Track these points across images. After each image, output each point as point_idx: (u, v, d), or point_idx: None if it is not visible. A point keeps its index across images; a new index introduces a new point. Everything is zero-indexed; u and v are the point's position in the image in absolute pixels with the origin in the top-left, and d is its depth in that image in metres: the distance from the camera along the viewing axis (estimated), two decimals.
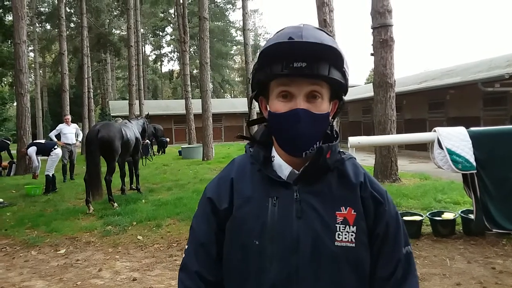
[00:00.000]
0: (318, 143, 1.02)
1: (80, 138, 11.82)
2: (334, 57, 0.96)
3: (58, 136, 10.95)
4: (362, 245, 1.01)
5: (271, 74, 0.97)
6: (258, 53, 1.00)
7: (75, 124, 11.84)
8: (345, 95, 1.07)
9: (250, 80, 1.06)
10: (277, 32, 1.02)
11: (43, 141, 11.31)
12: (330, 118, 1.05)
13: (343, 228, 1.00)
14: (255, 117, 18.37)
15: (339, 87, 1.02)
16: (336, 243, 0.99)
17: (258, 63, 1.00)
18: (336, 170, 1.06)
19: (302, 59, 0.93)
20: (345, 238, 0.99)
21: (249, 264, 1.01)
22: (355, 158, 1.13)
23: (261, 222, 1.01)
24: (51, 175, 9.55)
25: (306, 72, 0.94)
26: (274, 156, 1.07)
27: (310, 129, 0.98)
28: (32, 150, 9.98)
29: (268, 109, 1.04)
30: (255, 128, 1.25)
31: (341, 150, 1.09)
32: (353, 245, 1.00)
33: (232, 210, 1.05)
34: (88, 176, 7.40)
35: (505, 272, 3.99)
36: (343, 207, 1.01)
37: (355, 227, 1.00)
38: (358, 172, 1.07)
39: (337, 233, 0.99)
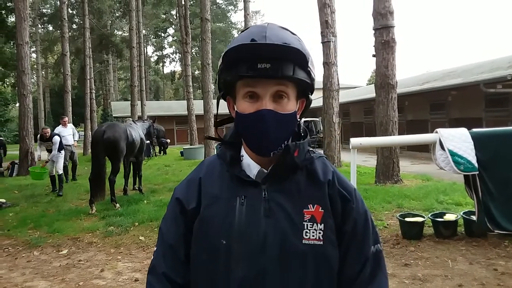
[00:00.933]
0: (286, 142, 1.01)
1: (77, 138, 11.80)
2: (298, 58, 0.95)
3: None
4: (330, 242, 1.01)
5: (237, 75, 0.97)
6: (222, 54, 0.98)
7: (71, 125, 11.83)
8: (311, 94, 1.07)
9: (217, 81, 1.05)
10: (242, 31, 1.02)
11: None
12: (298, 116, 1.05)
13: (311, 226, 1.00)
14: None
15: (306, 86, 1.02)
16: (303, 241, 0.99)
17: (223, 64, 0.99)
18: (305, 168, 1.06)
19: (266, 60, 0.93)
20: (313, 236, 0.99)
21: (217, 263, 1.00)
22: (325, 157, 1.12)
23: (228, 221, 1.01)
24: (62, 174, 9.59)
25: (270, 73, 0.94)
26: (243, 156, 1.07)
27: (277, 129, 0.97)
28: (57, 139, 9.50)
29: (236, 109, 1.03)
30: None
31: (310, 149, 1.09)
32: (321, 243, 1.00)
33: (200, 209, 1.05)
34: (92, 176, 7.43)
35: (507, 273, 3.98)
36: (311, 205, 1.01)
37: (322, 224, 1.00)
38: (327, 170, 1.07)
39: (304, 231, 0.99)
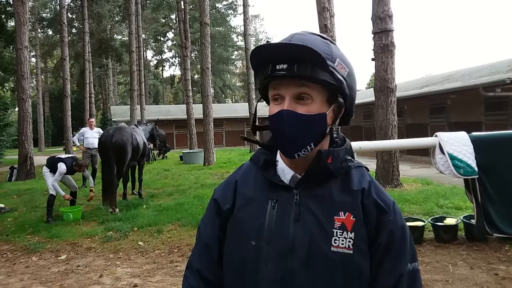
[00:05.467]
0: (312, 144, 0.99)
1: None
2: (315, 57, 0.93)
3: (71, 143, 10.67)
4: (361, 252, 0.98)
5: (261, 78, 1.01)
6: None
7: (99, 129, 11.04)
8: (341, 97, 1.00)
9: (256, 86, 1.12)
10: None
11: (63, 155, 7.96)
12: (331, 122, 1.01)
13: (341, 233, 0.98)
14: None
15: (335, 89, 0.98)
16: (332, 248, 0.97)
17: (252, 69, 1.04)
18: (340, 177, 1.04)
19: (284, 62, 0.95)
20: (342, 244, 0.97)
21: (246, 264, 1.02)
22: (365, 167, 1.09)
23: (258, 223, 1.02)
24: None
25: (286, 73, 0.95)
26: (278, 160, 1.08)
27: (297, 130, 0.96)
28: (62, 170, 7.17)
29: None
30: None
31: (349, 157, 1.06)
32: (351, 251, 0.97)
33: (234, 210, 1.08)
34: (103, 181, 7.47)
35: (508, 278, 3.96)
36: (342, 212, 0.99)
37: (353, 233, 0.98)
38: (363, 180, 1.05)
39: (333, 238, 0.97)
